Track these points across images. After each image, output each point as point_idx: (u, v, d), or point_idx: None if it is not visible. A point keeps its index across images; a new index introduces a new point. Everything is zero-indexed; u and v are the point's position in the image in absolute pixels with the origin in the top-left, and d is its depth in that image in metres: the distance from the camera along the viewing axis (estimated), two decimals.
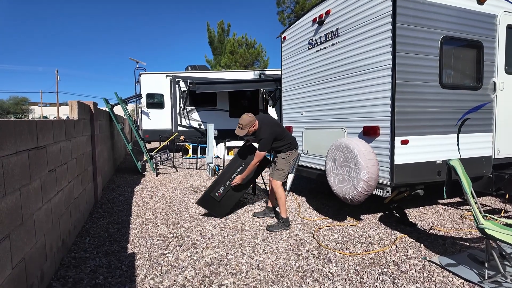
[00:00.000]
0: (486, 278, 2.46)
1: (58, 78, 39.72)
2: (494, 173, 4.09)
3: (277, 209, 4.03)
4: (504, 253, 2.69)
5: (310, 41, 4.87)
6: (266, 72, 12.38)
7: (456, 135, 3.83)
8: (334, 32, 4.33)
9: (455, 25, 3.70)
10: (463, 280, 2.52)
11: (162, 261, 2.91)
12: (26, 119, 2.40)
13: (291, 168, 3.89)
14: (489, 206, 4.67)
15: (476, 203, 2.65)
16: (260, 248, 3.20)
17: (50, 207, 2.64)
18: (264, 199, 5.04)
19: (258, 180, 5.60)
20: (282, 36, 5.70)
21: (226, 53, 19.36)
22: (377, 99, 3.66)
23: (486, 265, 2.53)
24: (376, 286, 2.47)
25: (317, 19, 4.61)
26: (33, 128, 2.36)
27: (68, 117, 4.18)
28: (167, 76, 11.23)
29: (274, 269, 2.75)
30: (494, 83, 4.01)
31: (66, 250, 3.06)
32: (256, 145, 3.97)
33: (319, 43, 4.67)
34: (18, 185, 2.03)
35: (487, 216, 2.75)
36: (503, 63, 4.06)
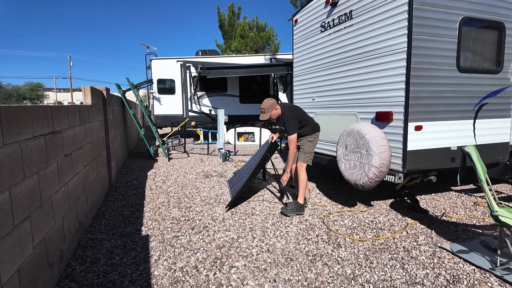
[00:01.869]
0: (498, 265, 2.45)
1: (71, 64, 40.17)
2: (511, 160, 3.99)
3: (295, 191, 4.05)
4: None
5: (323, 23, 4.75)
6: (277, 57, 12.21)
7: (472, 121, 3.72)
8: (348, 14, 4.20)
9: (475, 5, 3.53)
10: (474, 267, 2.51)
11: (175, 243, 2.99)
12: (41, 104, 2.45)
13: (314, 150, 3.85)
14: (504, 194, 4.58)
15: (490, 190, 2.61)
16: (270, 232, 3.25)
17: (67, 190, 2.73)
18: (274, 184, 5.07)
19: (268, 165, 5.62)
20: (294, 18, 5.57)
21: (237, 37, 19.12)
22: (391, 84, 3.58)
23: (499, 252, 2.50)
24: (386, 271, 2.49)
25: (330, 0, 4.47)
26: (49, 113, 2.41)
27: (81, 103, 4.25)
28: (177, 61, 11.21)
29: (284, 253, 2.80)
30: None
31: (83, 231, 3.18)
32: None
33: (331, 26, 4.55)
34: (36, 169, 2.10)
35: (501, 204, 2.71)
36: None
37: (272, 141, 4.14)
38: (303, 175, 3.76)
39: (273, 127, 11.19)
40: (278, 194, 4.57)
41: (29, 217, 1.94)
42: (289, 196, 4.07)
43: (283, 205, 4.01)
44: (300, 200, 3.76)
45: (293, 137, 3.59)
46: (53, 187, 2.40)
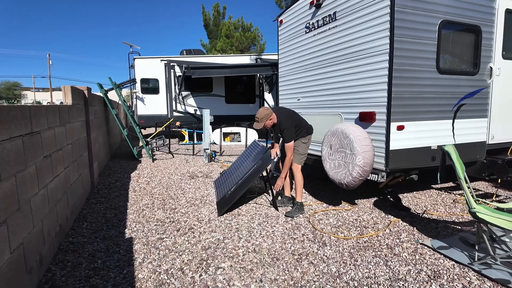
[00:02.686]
0: (476, 260, 2.54)
1: (50, 63, 38.97)
2: (488, 159, 4.14)
3: (292, 193, 4.07)
4: (494, 236, 2.76)
5: (307, 24, 4.79)
6: (263, 57, 12.23)
7: (451, 121, 3.84)
8: (332, 16, 4.25)
9: (454, 9, 3.65)
10: (454, 262, 2.59)
11: (159, 246, 2.94)
12: (19, 104, 2.36)
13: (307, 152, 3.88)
14: (481, 191, 4.75)
15: (468, 187, 2.70)
16: (257, 232, 3.25)
17: (46, 192, 2.64)
18: (261, 185, 5.07)
19: None
20: (279, 19, 5.59)
21: (222, 37, 19.05)
22: (374, 85, 3.65)
23: (477, 247, 2.60)
24: (370, 268, 2.53)
25: (314, 2, 4.51)
26: (27, 113, 2.33)
27: (61, 103, 4.13)
28: (161, 60, 11.05)
29: (270, 252, 2.81)
30: (491, 68, 4.00)
31: (64, 235, 3.09)
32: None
33: (316, 27, 4.60)
34: (13, 171, 2.02)
35: (479, 201, 2.81)
36: (501, 48, 4.04)
37: (275, 158, 4.09)
38: (299, 176, 3.81)
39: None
40: (264, 194, 4.57)
41: (6, 221, 1.87)
42: (284, 201, 4.10)
43: (273, 207, 4.03)
44: (299, 199, 3.81)
45: (291, 145, 3.64)
46: (31, 189, 2.31)
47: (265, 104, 11.94)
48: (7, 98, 43.32)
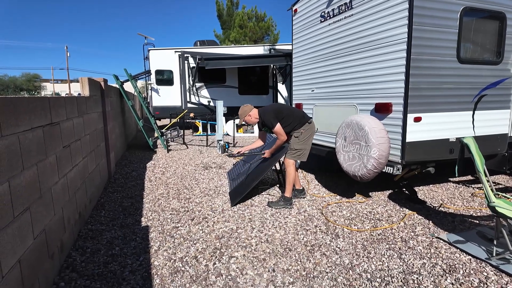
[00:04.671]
0: (494, 255, 2.48)
1: (68, 55, 39.76)
2: (509, 151, 4.00)
3: (304, 185, 4.06)
4: None
5: (323, 13, 4.69)
6: (276, 47, 12.09)
7: (471, 112, 3.72)
8: (348, 4, 4.15)
9: None
10: (470, 257, 2.54)
11: (174, 234, 3.01)
12: (39, 96, 2.43)
13: (308, 145, 3.77)
14: (501, 185, 4.61)
15: (488, 181, 2.62)
16: (269, 223, 3.27)
17: (66, 181, 2.73)
18: (273, 176, 5.08)
19: None
20: (294, 8, 5.49)
21: (235, 27, 18.91)
22: (390, 75, 3.56)
23: (495, 242, 2.53)
24: (383, 261, 2.52)
25: None
26: (46, 104, 2.40)
27: (79, 94, 4.22)
28: (175, 51, 11.10)
29: (283, 243, 2.83)
30: None
31: (83, 222, 3.20)
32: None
33: (331, 16, 4.50)
34: (34, 160, 2.10)
35: (498, 195, 2.73)
36: None
37: (263, 156, 4.08)
38: (289, 170, 3.73)
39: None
40: (277, 186, 4.59)
41: (29, 209, 1.95)
42: (296, 193, 4.04)
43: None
44: (287, 194, 3.74)
45: (277, 129, 3.60)
46: (52, 178, 2.40)
47: (279, 95, 11.86)
48: (28, 89, 44.65)
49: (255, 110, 3.80)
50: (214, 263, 2.49)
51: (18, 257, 1.76)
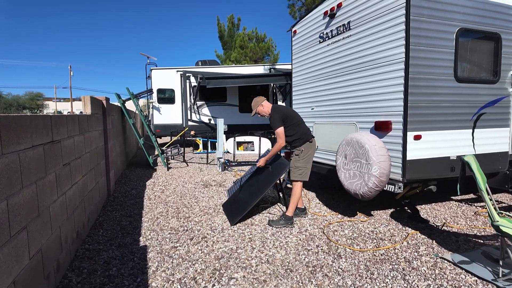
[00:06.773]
0: (500, 276, 2.42)
1: (72, 74, 40.39)
2: (511, 170, 3.98)
3: (305, 204, 4.02)
4: None
5: (321, 34, 4.80)
6: (276, 67, 12.31)
7: (471, 130, 3.73)
8: (346, 25, 4.26)
9: (471, 17, 3.59)
10: (476, 278, 2.48)
11: (173, 254, 2.95)
12: (41, 114, 2.45)
13: (309, 163, 3.74)
14: (504, 203, 4.56)
15: (491, 199, 2.59)
16: (270, 242, 3.21)
17: (65, 199, 2.71)
18: (274, 194, 5.04)
19: None
20: (293, 29, 5.64)
21: (236, 48, 19.30)
22: (389, 94, 3.60)
23: (501, 262, 2.48)
24: (387, 282, 2.45)
25: (328, 12, 4.54)
26: (48, 123, 2.41)
27: (81, 112, 4.26)
28: (177, 71, 11.29)
29: (284, 264, 2.76)
30: None
31: (80, 242, 3.14)
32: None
33: (330, 37, 4.60)
34: (34, 178, 2.09)
35: (502, 213, 2.69)
36: None
37: (258, 165, 4.08)
38: (295, 190, 3.72)
39: (272, 136, 11.20)
40: (278, 204, 4.54)
41: (26, 228, 1.92)
42: (297, 212, 3.98)
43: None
44: (289, 213, 3.70)
45: (279, 131, 3.61)
46: (51, 197, 2.38)
47: None
48: (31, 108, 45.07)
49: (268, 103, 3.86)
50: (213, 285, 2.43)
51: (13, 278, 1.72)
